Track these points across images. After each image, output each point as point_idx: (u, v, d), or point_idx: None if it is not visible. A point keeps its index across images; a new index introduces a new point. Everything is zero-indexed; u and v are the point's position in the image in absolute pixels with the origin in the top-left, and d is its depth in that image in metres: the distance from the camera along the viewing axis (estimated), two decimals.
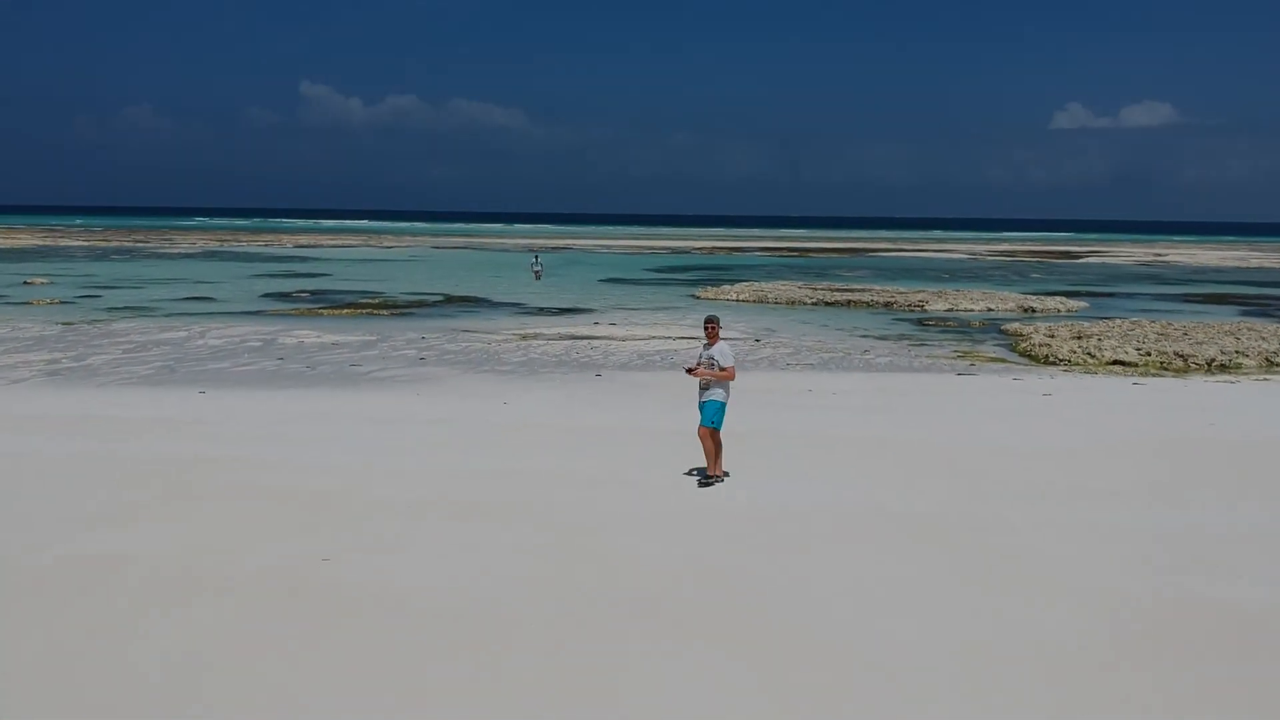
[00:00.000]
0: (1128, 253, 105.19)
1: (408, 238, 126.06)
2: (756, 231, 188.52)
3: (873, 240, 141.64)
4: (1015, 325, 33.13)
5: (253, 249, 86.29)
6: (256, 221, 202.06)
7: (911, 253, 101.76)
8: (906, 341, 29.79)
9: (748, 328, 32.05)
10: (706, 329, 11.41)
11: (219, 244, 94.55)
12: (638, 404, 16.64)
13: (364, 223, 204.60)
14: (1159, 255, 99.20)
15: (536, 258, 54.24)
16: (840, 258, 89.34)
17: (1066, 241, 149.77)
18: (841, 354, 26.18)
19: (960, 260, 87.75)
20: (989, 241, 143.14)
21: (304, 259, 71.99)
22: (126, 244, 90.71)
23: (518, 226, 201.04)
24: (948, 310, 39.69)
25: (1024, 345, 28.14)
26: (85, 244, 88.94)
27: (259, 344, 26.24)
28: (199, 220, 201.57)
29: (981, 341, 30.08)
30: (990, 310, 40.06)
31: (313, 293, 43.92)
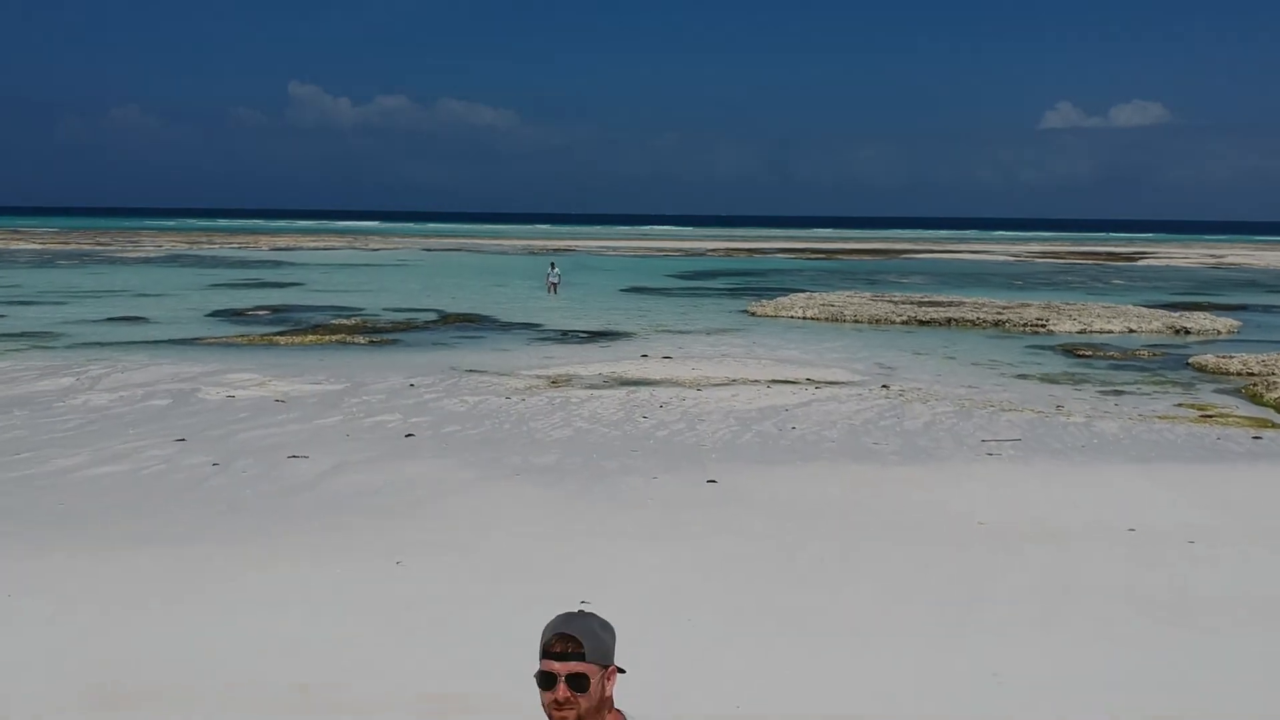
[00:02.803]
0: (1179, 254, 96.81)
1: (396, 239, 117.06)
2: (756, 231, 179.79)
3: (897, 240, 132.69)
4: (1208, 358, 24.61)
5: (223, 252, 77.41)
6: (241, 223, 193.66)
7: (945, 254, 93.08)
8: (1090, 385, 21.27)
9: (862, 367, 23.43)
10: (547, 672, 2.76)
11: (188, 247, 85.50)
12: (840, 591, 8.03)
13: (351, 223, 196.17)
14: (1217, 257, 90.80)
15: (553, 266, 45.22)
16: (874, 260, 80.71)
17: (1101, 242, 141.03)
18: (1033, 414, 17.61)
19: (1007, 264, 79.30)
20: (1018, 241, 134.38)
21: (277, 264, 63.15)
22: (86, 247, 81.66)
23: (514, 227, 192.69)
24: (1080, 332, 31.22)
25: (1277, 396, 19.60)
26: (39, 247, 79.92)
27: (166, 401, 17.58)
28: (177, 221, 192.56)
29: (1191, 386, 21.56)
30: (1133, 332, 31.58)
31: (274, 310, 35.18)
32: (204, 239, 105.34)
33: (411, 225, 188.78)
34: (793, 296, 40.05)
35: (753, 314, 35.94)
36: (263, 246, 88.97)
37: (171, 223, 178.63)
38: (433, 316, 33.46)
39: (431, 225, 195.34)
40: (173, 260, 66.20)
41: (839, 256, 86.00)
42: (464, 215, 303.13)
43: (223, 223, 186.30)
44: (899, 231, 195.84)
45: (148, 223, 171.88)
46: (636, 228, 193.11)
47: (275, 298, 39.68)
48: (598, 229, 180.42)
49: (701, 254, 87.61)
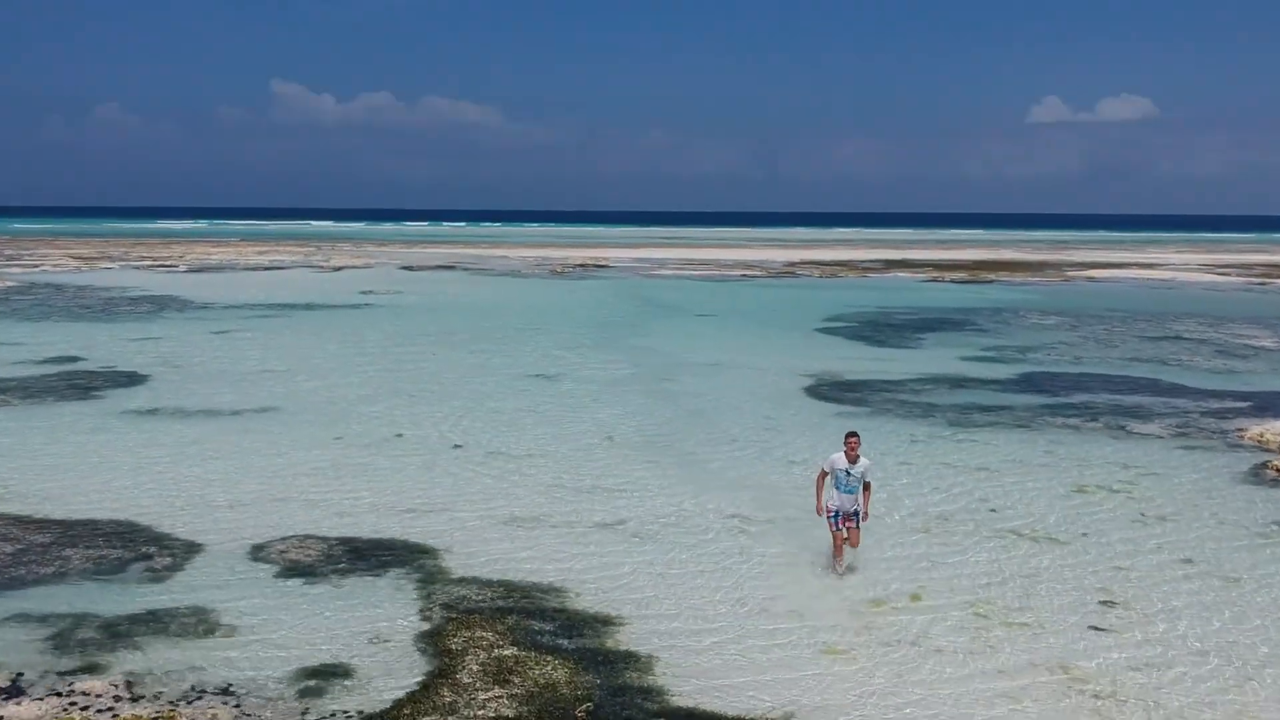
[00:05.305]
0: None
1: (371, 246, 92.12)
2: (795, 232, 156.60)
3: (1008, 243, 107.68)
4: None
5: (110, 277, 51.94)
6: (206, 224, 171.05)
7: (1108, 268, 68.78)
8: None
9: None
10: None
11: (79, 266, 60.23)
12: None
13: (329, 225, 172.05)
14: None
15: (852, 455, 11.22)
16: (1048, 283, 56.06)
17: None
18: None
19: (1250, 292, 55.12)
20: (1181, 246, 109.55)
21: (159, 307, 38.19)
22: None
23: (507, 229, 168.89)
24: None
25: None
26: None
27: None
28: (122, 224, 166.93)
29: None
30: None
31: None
32: (123, 249, 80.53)
33: (394, 229, 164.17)
34: None
35: None
36: (180, 265, 63.90)
37: (108, 225, 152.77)
38: None
39: (415, 226, 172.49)
40: (5, 298, 41.21)
41: (985, 276, 61.54)
42: (447, 213, 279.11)
43: (198, 225, 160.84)
44: (998, 232, 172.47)
45: (74, 226, 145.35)
46: (626, 227, 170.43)
47: None
48: (597, 230, 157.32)
49: (788, 273, 63.23)
